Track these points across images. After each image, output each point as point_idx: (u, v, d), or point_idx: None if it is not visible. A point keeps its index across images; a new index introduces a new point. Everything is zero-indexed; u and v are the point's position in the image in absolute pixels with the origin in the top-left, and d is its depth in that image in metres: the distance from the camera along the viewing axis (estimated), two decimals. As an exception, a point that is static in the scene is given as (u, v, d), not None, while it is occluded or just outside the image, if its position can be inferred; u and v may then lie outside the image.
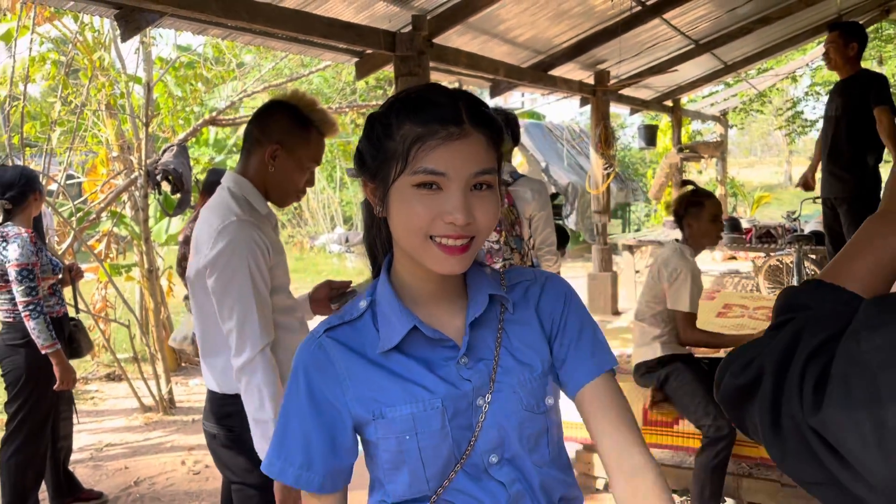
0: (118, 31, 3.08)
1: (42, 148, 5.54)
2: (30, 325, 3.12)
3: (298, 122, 1.88)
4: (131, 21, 2.97)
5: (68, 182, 6.05)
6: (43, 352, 3.15)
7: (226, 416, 1.89)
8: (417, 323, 1.02)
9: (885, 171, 5.47)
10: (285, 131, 1.87)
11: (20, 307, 3.13)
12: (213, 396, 1.94)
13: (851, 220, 4.54)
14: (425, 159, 0.95)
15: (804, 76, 16.54)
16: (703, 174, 12.35)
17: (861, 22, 8.51)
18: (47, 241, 3.87)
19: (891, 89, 4.69)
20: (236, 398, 1.83)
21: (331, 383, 1.03)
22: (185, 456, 4.24)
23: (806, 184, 5.18)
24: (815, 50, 10.21)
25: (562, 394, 1.11)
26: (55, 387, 3.22)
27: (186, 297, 4.49)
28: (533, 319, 1.10)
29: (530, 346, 1.08)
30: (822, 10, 7.36)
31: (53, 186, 5.33)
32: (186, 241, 3.27)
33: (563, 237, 4.16)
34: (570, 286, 1.15)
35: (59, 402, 3.50)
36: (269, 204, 1.96)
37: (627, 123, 18.51)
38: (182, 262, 4.50)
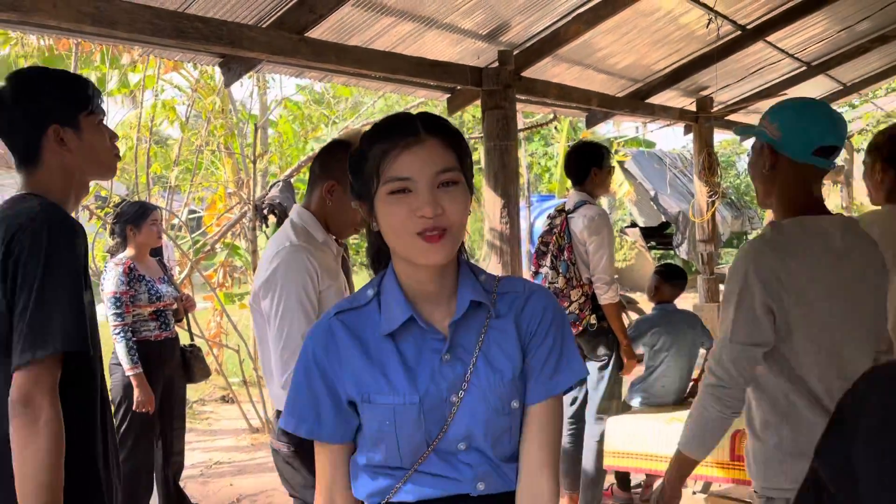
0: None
1: (168, 185, 6.04)
2: (116, 347, 3.47)
3: None
4: (233, 68, 3.24)
5: (190, 216, 6.52)
6: (126, 373, 3.44)
7: (286, 433, 2.01)
8: (414, 314, 1.18)
9: None
10: (343, 169, 2.00)
11: (110, 330, 3.46)
12: (277, 414, 2.07)
13: None
14: (391, 169, 1.13)
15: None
16: (826, 201, 11.70)
17: None
18: (170, 272, 4.20)
19: None
20: None
21: (333, 362, 1.20)
22: (284, 476, 4.44)
23: None
24: (948, 66, 9.50)
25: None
26: (134, 408, 3.48)
27: None
28: (512, 329, 1.22)
29: (506, 354, 1.20)
30: (949, 24, 6.88)
31: (176, 221, 5.78)
32: None
33: (678, 274, 4.02)
34: (555, 302, 1.28)
35: (173, 419, 3.78)
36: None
37: (746, 148, 17.80)
38: None
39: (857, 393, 0.73)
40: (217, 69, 5.72)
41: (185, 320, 4.05)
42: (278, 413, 2.08)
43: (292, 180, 5.47)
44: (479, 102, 4.39)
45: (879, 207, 2.46)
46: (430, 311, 1.21)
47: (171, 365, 3.73)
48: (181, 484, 3.99)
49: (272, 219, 5.24)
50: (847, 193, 10.50)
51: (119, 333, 3.46)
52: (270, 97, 6.83)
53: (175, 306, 3.79)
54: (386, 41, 3.67)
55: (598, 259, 3.48)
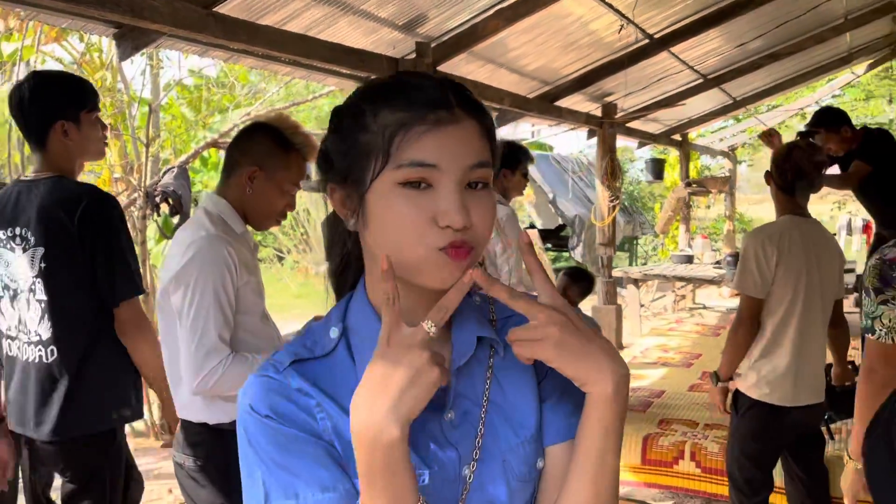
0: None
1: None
2: None
3: (280, 145, 1.86)
4: (130, 40, 2.95)
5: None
6: None
7: (192, 444, 1.83)
8: None
9: None
10: (265, 153, 1.85)
11: None
12: (183, 424, 1.87)
13: None
14: (412, 150, 0.79)
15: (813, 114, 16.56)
16: (710, 209, 12.27)
17: (871, 61, 8.51)
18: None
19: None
20: (204, 427, 1.78)
21: (308, 414, 0.82)
22: (171, 484, 4.14)
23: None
24: (823, 88, 10.18)
25: None
26: None
27: None
28: (528, 365, 0.87)
29: (523, 398, 0.89)
30: (832, 47, 7.33)
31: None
32: None
33: (586, 277, 4.01)
34: None
35: None
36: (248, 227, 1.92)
37: (637, 156, 18.51)
38: None
39: None
40: (106, 42, 5.28)
41: None
42: (184, 422, 1.87)
43: (188, 167, 5.13)
44: (392, 95, 4.26)
45: (783, 218, 2.65)
46: None
47: None
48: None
49: (164, 207, 4.93)
50: (730, 202, 11.04)
51: None
52: (165, 78, 6.42)
53: None
54: (299, 23, 3.47)
55: (504, 260, 3.42)
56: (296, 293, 12.05)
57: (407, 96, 0.81)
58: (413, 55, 3.99)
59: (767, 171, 2.73)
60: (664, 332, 5.72)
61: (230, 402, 1.79)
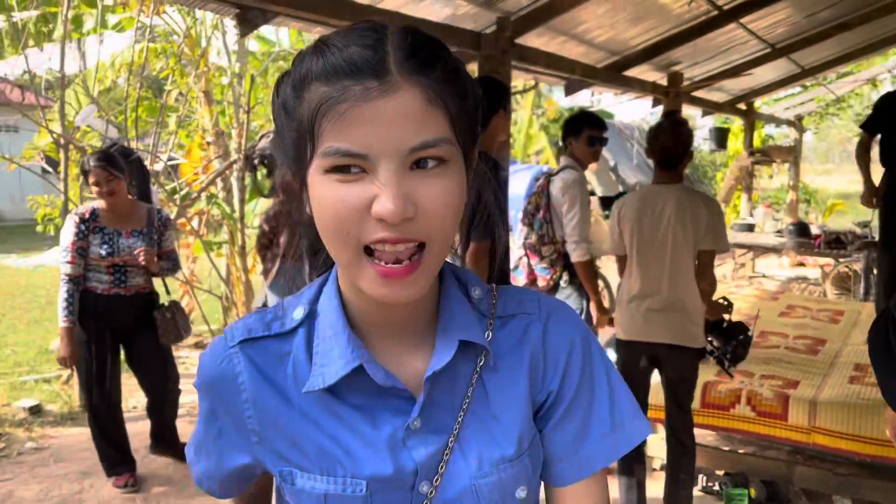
0: (228, 27, 3.43)
1: (156, 131, 6.02)
2: None
3: None
4: (249, 19, 3.31)
5: (168, 163, 6.53)
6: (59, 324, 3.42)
7: None
8: (365, 362, 0.73)
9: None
10: None
11: None
12: None
13: None
14: (333, 134, 0.65)
15: (885, 82, 16.12)
16: (773, 178, 12.22)
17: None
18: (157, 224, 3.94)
19: None
20: None
21: (235, 414, 0.78)
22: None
23: (870, 203, 5.16)
24: (897, 56, 10.01)
25: None
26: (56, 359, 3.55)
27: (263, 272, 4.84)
28: (521, 375, 0.79)
29: (511, 415, 0.78)
30: (904, 16, 7.28)
31: (159, 166, 5.80)
32: (267, 220, 3.51)
33: None
34: (583, 325, 0.83)
35: (147, 373, 3.73)
36: None
37: (699, 125, 18.32)
38: (262, 237, 4.88)
39: None
40: (203, 14, 5.70)
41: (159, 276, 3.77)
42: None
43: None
44: (473, 67, 4.54)
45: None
46: (393, 347, 0.78)
47: (121, 320, 3.57)
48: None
49: (262, 170, 5.35)
50: (794, 172, 10.99)
51: (61, 284, 3.40)
52: (251, 47, 6.82)
53: (141, 261, 3.48)
54: (392, 1, 3.78)
55: (569, 219, 3.68)
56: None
57: (328, 61, 0.65)
58: (493, 28, 4.26)
59: (668, 150, 2.92)
60: (725, 295, 5.95)
61: None
